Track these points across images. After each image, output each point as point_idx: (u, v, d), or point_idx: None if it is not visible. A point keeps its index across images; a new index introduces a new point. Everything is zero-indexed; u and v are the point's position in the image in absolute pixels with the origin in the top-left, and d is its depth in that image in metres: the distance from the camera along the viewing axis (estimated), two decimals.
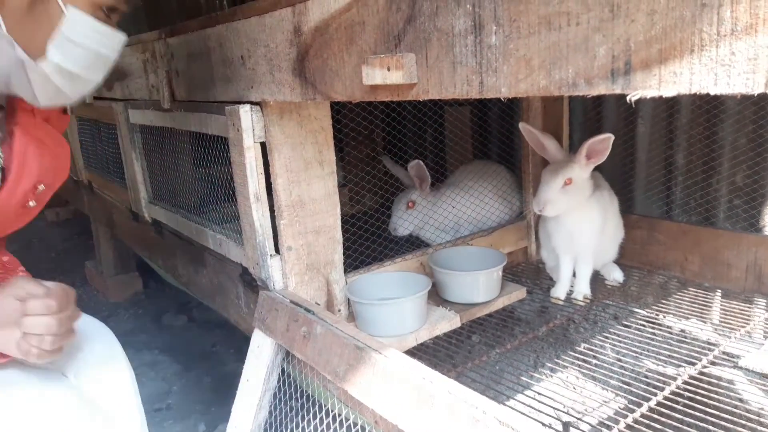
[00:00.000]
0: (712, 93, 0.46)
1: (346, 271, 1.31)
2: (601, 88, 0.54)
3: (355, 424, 1.02)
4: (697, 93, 0.47)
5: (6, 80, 0.78)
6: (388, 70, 0.73)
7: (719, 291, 1.46)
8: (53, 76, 0.78)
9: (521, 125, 1.42)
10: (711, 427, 0.94)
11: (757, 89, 0.44)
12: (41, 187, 0.88)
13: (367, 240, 1.54)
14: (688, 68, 0.47)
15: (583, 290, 1.50)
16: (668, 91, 0.49)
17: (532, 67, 0.59)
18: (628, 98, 0.52)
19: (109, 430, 0.94)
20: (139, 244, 2.11)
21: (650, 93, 0.50)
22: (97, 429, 0.91)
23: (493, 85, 0.64)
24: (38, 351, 0.79)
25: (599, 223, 1.45)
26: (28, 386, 0.88)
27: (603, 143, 1.30)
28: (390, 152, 2.05)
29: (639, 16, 0.50)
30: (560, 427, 1.01)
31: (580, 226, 1.43)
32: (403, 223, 1.74)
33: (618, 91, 0.52)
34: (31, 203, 0.88)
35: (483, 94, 0.65)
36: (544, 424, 1.00)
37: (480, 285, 1.37)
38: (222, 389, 1.86)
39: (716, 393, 1.05)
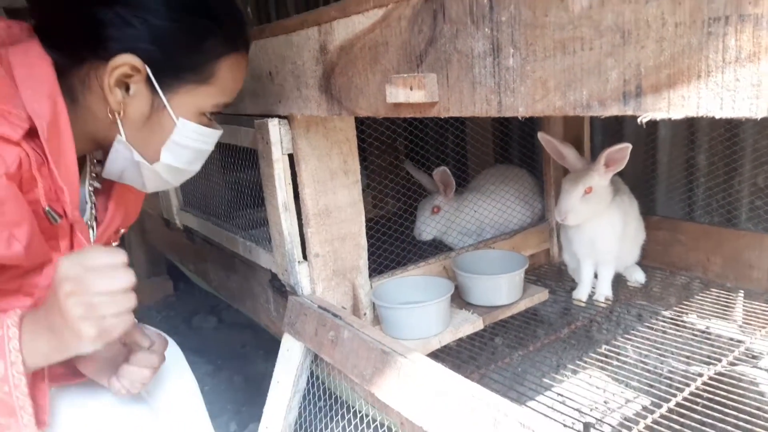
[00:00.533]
0: (717, 116, 0.49)
1: (370, 276, 1.36)
2: (614, 110, 0.56)
3: (382, 425, 1.06)
4: (705, 116, 0.50)
5: (119, 174, 0.88)
6: (411, 89, 0.77)
7: (741, 291, 1.47)
8: (163, 173, 0.88)
9: (540, 135, 1.44)
10: (731, 428, 0.96)
11: (761, 114, 0.47)
12: (122, 230, 0.99)
13: (391, 245, 1.58)
14: (696, 92, 0.50)
15: (604, 292, 1.52)
16: (677, 114, 0.52)
17: (548, 88, 0.62)
18: (639, 120, 0.55)
19: None
20: (170, 250, 2.17)
21: (660, 115, 0.53)
22: None
23: (511, 105, 0.67)
24: (126, 392, 0.88)
25: (620, 229, 1.47)
26: (102, 397, 0.94)
27: (621, 152, 1.31)
28: (412, 158, 2.09)
29: (648, 43, 0.52)
30: (581, 428, 1.03)
31: (601, 232, 1.45)
32: (427, 228, 1.78)
33: (630, 112, 0.55)
34: (114, 245, 0.98)
35: (501, 113, 0.68)
36: (565, 425, 1.03)
37: (502, 288, 1.40)
38: (252, 389, 1.92)
39: (738, 392, 1.06)
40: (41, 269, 0.80)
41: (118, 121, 0.80)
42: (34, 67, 0.75)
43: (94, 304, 0.68)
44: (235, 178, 1.55)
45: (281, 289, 1.36)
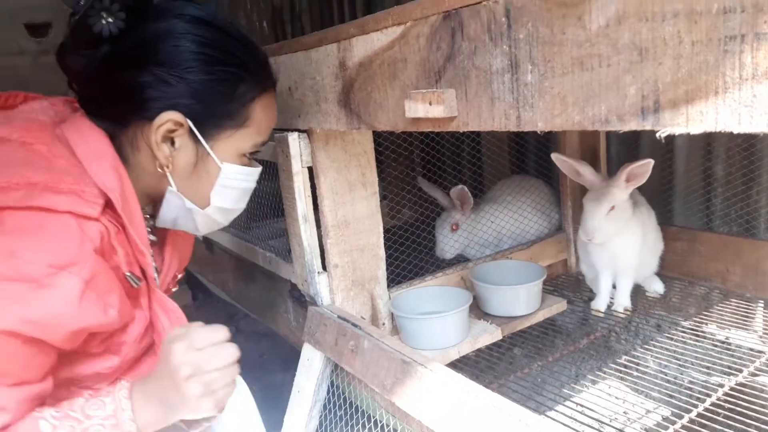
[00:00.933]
0: (735, 132, 0.50)
1: (388, 286, 1.37)
2: (632, 125, 0.58)
3: None
4: (722, 131, 0.51)
5: (173, 222, 0.94)
6: (430, 104, 0.78)
7: (761, 302, 1.46)
8: (214, 215, 0.94)
9: (553, 156, 1.44)
10: None
11: None
12: (179, 275, 1.05)
13: (408, 256, 1.59)
14: (714, 108, 0.51)
15: (623, 302, 1.51)
16: (696, 129, 0.53)
17: (567, 103, 0.63)
18: (657, 135, 0.56)
19: None
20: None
21: (679, 130, 0.54)
22: None
23: (529, 120, 0.68)
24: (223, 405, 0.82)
25: (640, 241, 1.46)
26: None
27: (643, 168, 1.31)
28: (427, 169, 2.10)
29: (666, 60, 0.54)
30: None
31: (623, 246, 1.45)
32: (448, 246, 1.77)
33: (648, 127, 0.56)
34: (174, 290, 1.04)
35: (520, 128, 0.70)
36: None
37: (521, 298, 1.40)
38: (270, 398, 1.92)
39: (760, 403, 1.06)
40: (125, 328, 0.85)
41: (168, 174, 0.86)
42: (91, 143, 0.81)
43: (210, 382, 0.75)
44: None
45: (301, 299, 1.38)
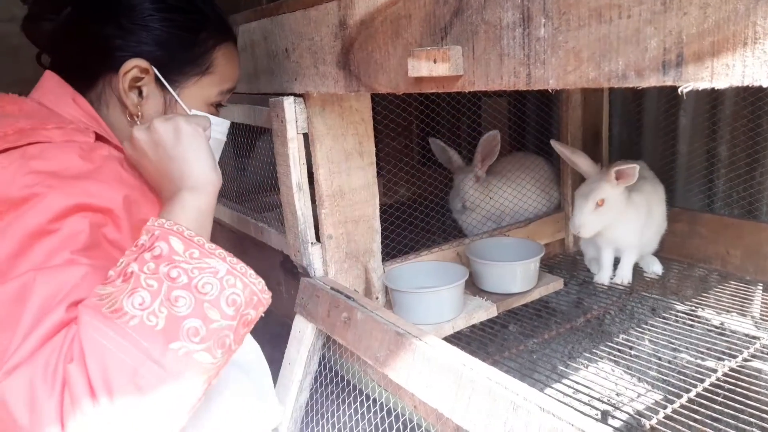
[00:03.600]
0: (765, 85, 0.47)
1: (383, 261, 1.34)
2: (652, 81, 0.54)
3: (395, 409, 1.04)
4: (750, 85, 0.48)
5: None
6: (435, 62, 0.74)
7: (761, 285, 1.44)
8: None
9: (553, 143, 1.44)
10: (750, 419, 0.94)
11: None
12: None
13: (404, 230, 1.56)
14: (741, 61, 0.48)
15: (626, 276, 1.52)
16: (721, 83, 0.50)
17: (582, 59, 0.60)
18: (679, 90, 0.52)
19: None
20: None
21: (702, 85, 0.51)
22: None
23: (540, 77, 0.65)
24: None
25: (642, 221, 1.46)
26: None
27: (630, 170, 1.33)
28: (426, 142, 2.06)
29: (691, 9, 0.50)
30: (597, 416, 1.01)
31: (621, 228, 1.45)
32: (473, 197, 1.77)
33: (669, 83, 0.53)
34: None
35: (530, 86, 0.66)
36: (581, 413, 1.01)
37: (517, 275, 1.37)
38: None
39: (756, 386, 1.04)
40: None
41: (138, 124, 0.86)
42: (53, 89, 0.84)
43: (183, 123, 0.80)
44: (246, 161, 1.53)
45: (293, 271, 1.35)
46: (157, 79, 0.86)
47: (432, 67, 0.75)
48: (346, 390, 1.13)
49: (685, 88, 0.52)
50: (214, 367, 0.65)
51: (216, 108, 0.96)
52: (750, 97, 1.54)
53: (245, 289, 0.68)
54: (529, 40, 0.65)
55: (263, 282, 0.72)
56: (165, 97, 0.88)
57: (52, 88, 0.84)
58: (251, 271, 0.71)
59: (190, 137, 0.79)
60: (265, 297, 0.72)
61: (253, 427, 0.66)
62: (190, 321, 0.62)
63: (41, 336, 0.58)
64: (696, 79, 0.51)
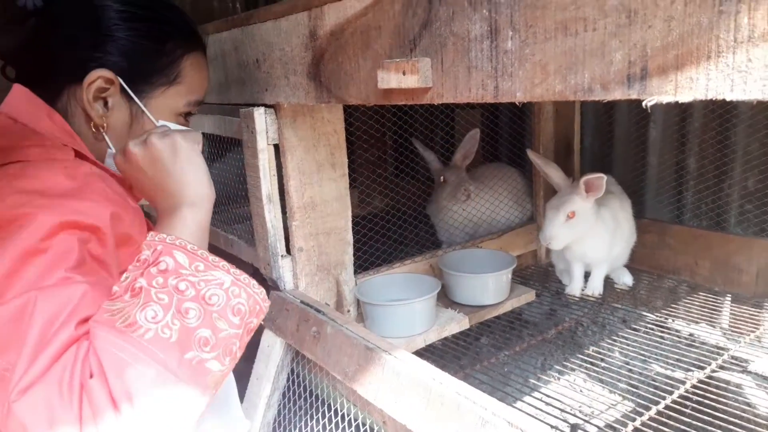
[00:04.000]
0: (728, 99, 0.47)
1: (355, 273, 1.32)
2: (617, 94, 0.54)
3: (363, 424, 1.03)
4: (714, 99, 0.48)
5: None
6: (404, 74, 0.74)
7: (729, 296, 1.46)
8: None
9: (528, 152, 1.46)
10: (718, 431, 0.94)
11: None
12: None
13: (377, 242, 1.55)
14: (705, 74, 0.48)
15: (597, 288, 1.54)
16: (684, 97, 0.50)
17: (548, 71, 0.59)
18: (644, 104, 0.52)
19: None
20: None
21: (666, 99, 0.51)
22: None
23: (508, 90, 0.64)
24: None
25: (610, 235, 1.47)
26: None
27: (598, 180, 1.35)
28: (399, 152, 2.06)
29: (656, 23, 0.50)
30: (568, 430, 1.01)
31: (591, 243, 1.47)
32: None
33: (634, 96, 0.53)
34: None
35: (498, 99, 0.66)
36: (551, 426, 1.00)
37: (489, 287, 1.37)
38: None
39: (724, 397, 1.05)
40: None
41: (105, 136, 0.84)
42: (28, 103, 0.82)
43: (179, 138, 0.78)
44: (217, 171, 1.50)
45: (264, 284, 1.32)
46: (122, 89, 0.83)
47: (401, 79, 0.75)
48: (315, 406, 1.11)
49: (649, 101, 0.52)
50: (222, 375, 0.68)
51: (185, 118, 0.93)
52: (718, 109, 1.57)
53: (249, 299, 0.71)
54: (496, 53, 0.64)
55: (264, 291, 0.75)
56: (131, 107, 0.85)
57: (24, 103, 0.82)
58: (254, 282, 0.74)
59: (187, 153, 0.77)
60: (266, 305, 0.75)
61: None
62: (201, 331, 0.65)
63: (52, 354, 0.59)
64: (660, 93, 0.51)
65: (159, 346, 0.62)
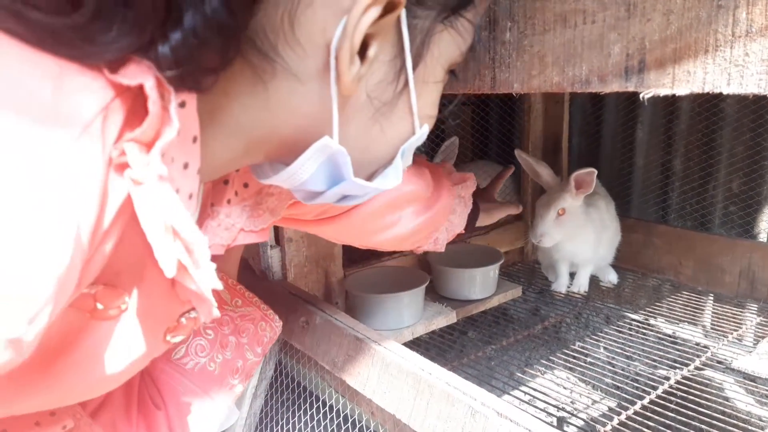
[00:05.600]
0: (725, 92, 0.47)
1: (344, 265, 1.32)
2: (615, 86, 0.55)
3: (351, 415, 1.03)
4: (710, 92, 0.48)
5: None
6: None
7: (712, 295, 1.48)
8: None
9: (517, 152, 1.46)
10: (702, 426, 0.96)
11: None
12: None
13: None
14: (702, 68, 0.49)
15: (583, 285, 1.55)
16: (681, 90, 0.50)
17: (546, 63, 0.60)
18: (641, 96, 0.53)
19: None
20: None
21: (663, 91, 0.51)
22: None
23: (505, 81, 0.64)
24: None
25: (596, 236, 1.49)
26: None
27: (588, 175, 1.35)
28: None
29: (655, 16, 0.51)
30: (553, 421, 1.02)
31: (577, 244, 1.48)
32: None
33: (631, 88, 0.53)
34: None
35: (495, 90, 0.66)
36: (537, 419, 1.01)
37: (477, 282, 1.38)
38: None
39: (706, 395, 1.06)
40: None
41: (335, 116, 0.43)
42: None
43: None
44: None
45: (254, 274, 1.32)
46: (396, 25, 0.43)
47: None
48: (302, 396, 1.10)
49: (646, 94, 0.52)
50: (241, 393, 0.80)
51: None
52: (704, 111, 1.59)
53: (271, 331, 0.81)
54: (494, 44, 0.64)
55: (279, 319, 0.84)
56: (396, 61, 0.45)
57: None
58: (276, 315, 0.83)
59: None
60: (279, 331, 0.85)
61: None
62: (235, 362, 0.75)
63: None
64: (657, 86, 0.51)
65: (204, 377, 0.72)
